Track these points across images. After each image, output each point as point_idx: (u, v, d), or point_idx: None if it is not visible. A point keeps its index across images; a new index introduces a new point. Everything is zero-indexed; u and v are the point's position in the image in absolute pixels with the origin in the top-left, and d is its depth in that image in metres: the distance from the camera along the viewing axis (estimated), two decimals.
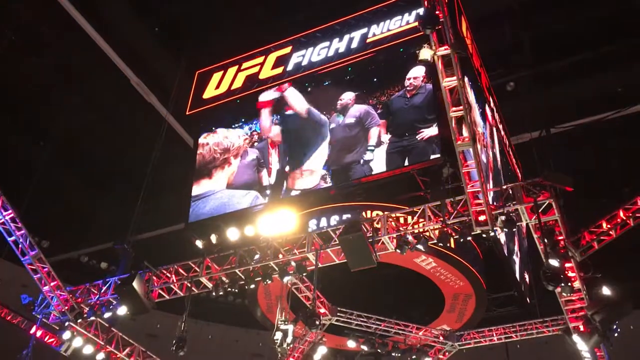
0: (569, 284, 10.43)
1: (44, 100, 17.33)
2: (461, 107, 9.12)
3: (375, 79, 14.04)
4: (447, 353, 17.18)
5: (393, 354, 16.65)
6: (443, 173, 12.26)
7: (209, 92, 16.27)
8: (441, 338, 16.92)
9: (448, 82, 8.97)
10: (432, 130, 12.35)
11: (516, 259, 15.56)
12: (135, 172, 15.76)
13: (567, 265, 10.90)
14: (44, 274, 13.65)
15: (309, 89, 14.77)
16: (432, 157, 12.10)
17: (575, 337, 11.95)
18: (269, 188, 13.85)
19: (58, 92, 17.23)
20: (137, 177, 15.07)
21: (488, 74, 14.94)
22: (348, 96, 13.98)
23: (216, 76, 16.44)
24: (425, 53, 8.69)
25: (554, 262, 10.15)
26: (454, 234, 10.98)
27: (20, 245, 13.19)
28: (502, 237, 13.26)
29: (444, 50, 8.67)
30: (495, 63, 15.79)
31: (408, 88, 13.23)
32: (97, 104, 17.68)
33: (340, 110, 13.88)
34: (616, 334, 10.82)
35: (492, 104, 14.83)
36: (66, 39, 15.99)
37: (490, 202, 10.57)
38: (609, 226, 10.86)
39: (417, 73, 13.22)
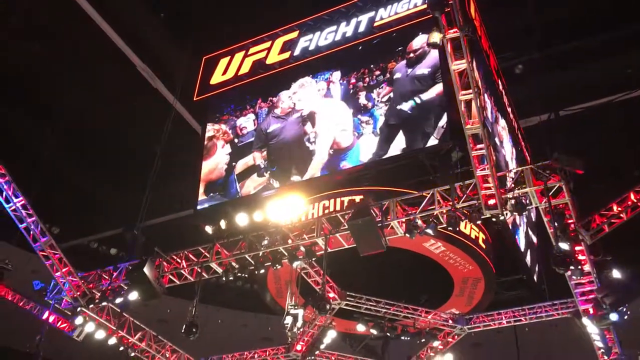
0: (579, 267, 10.42)
1: (52, 88, 17.35)
2: (470, 91, 9.06)
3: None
4: (456, 336, 17.23)
5: (402, 338, 16.74)
6: (452, 157, 12.21)
7: (216, 77, 16.25)
8: (450, 321, 16.96)
9: (457, 65, 8.91)
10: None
11: (525, 242, 15.55)
12: (144, 159, 15.79)
13: (577, 248, 10.86)
14: (55, 260, 13.75)
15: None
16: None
17: (585, 320, 11.99)
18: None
19: (66, 79, 17.24)
20: (146, 163, 15.11)
21: (497, 56, 14.83)
22: None
23: (223, 61, 16.39)
24: (434, 36, 8.62)
25: (564, 246, 10.13)
26: (463, 218, 10.96)
27: (31, 232, 13.28)
28: (518, 220, 13.23)
29: (453, 33, 8.59)
30: (504, 45, 15.66)
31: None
32: (105, 91, 17.68)
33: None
34: (626, 317, 10.82)
35: (500, 87, 14.73)
36: (73, 25, 15.96)
37: (500, 186, 10.54)
38: (619, 209, 10.77)
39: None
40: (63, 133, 18.32)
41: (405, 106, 12.90)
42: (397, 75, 13.51)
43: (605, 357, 13.76)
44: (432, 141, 12.44)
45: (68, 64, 17.01)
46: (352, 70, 14.23)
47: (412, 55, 13.45)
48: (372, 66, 13.97)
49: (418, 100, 12.79)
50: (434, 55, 13.01)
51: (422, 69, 13.16)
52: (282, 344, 17.80)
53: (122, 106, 18.21)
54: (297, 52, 15.17)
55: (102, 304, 14.03)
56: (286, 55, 15.30)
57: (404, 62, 13.56)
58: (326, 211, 13.44)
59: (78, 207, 20.29)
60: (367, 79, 13.89)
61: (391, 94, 13.28)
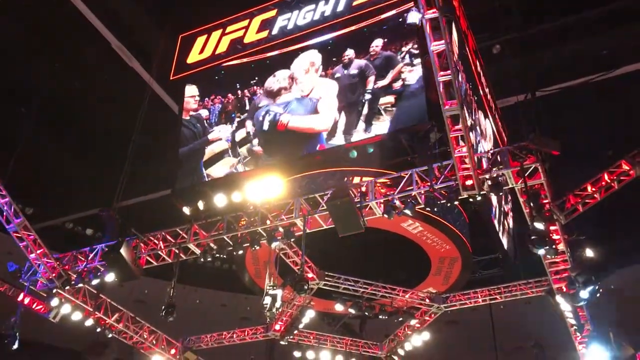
0: (554, 246, 10.60)
1: (25, 65, 16.94)
2: (449, 72, 9.06)
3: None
4: (432, 315, 17.51)
5: (380, 317, 16.94)
6: (430, 138, 12.25)
7: (193, 56, 15.99)
8: (427, 300, 17.20)
9: (436, 46, 8.90)
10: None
11: (502, 221, 15.73)
12: (120, 138, 15.57)
13: (552, 228, 11.05)
14: (30, 242, 13.58)
15: None
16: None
17: (559, 298, 12.23)
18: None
19: (39, 57, 16.83)
20: (122, 143, 14.89)
21: (475, 36, 14.82)
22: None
23: (200, 40, 16.13)
24: (413, 16, 8.59)
25: (539, 225, 10.30)
26: (441, 199, 11.04)
27: (4, 213, 13.08)
28: (494, 200, 13.39)
29: (432, 14, 8.58)
30: (482, 26, 15.64)
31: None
32: (80, 69, 17.31)
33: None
34: (598, 295, 11.04)
35: (478, 67, 14.75)
36: (47, 3, 15.55)
37: (477, 167, 10.61)
38: (593, 189, 10.96)
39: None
40: (37, 112, 17.94)
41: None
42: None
43: (578, 334, 14.10)
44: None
45: (42, 42, 16.60)
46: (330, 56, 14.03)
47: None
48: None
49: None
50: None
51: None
52: (261, 324, 17.92)
53: (97, 85, 17.87)
54: (275, 31, 14.99)
55: (78, 286, 13.92)
56: (264, 34, 15.10)
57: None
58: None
59: (53, 188, 19.97)
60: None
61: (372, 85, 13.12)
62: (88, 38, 16.29)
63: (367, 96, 12.80)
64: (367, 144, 12.55)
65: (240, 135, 14.17)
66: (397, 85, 12.53)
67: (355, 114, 12.77)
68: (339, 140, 12.67)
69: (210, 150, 14.30)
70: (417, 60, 12.54)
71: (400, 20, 13.09)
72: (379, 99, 12.63)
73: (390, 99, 12.51)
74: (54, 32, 16.33)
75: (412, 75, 12.42)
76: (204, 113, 14.99)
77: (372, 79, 12.95)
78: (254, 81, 14.62)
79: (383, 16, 13.37)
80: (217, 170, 13.99)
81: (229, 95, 14.82)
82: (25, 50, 16.68)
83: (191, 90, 15.47)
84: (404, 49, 12.85)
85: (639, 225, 18.20)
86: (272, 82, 14.29)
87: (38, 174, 19.21)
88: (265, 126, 13.82)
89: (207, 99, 15.14)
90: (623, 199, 11.72)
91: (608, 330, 12.71)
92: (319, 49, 14.00)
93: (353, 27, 13.78)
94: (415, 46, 12.65)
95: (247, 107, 14.41)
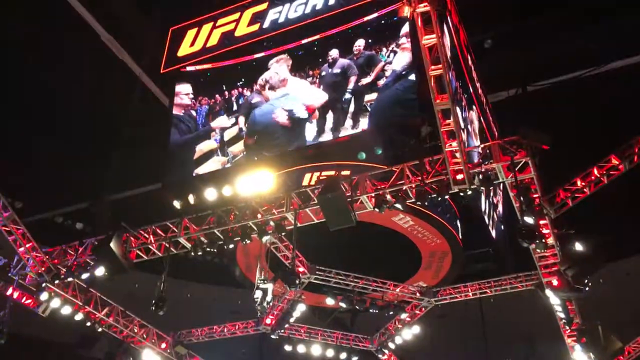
0: (543, 240, 10.66)
1: (12, 59, 16.77)
2: (440, 66, 9.06)
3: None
4: (423, 309, 17.58)
5: (370, 310, 17.00)
6: (421, 132, 12.26)
7: (184, 49, 15.88)
8: (418, 294, 17.27)
9: (427, 40, 8.89)
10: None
11: (491, 215, 15.80)
12: (110, 132, 15.48)
13: (541, 222, 11.11)
14: (18, 236, 13.50)
15: None
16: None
17: (548, 292, 12.30)
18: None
19: (27, 49, 16.67)
20: (112, 137, 14.81)
21: (466, 30, 14.82)
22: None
23: (190, 33, 16.02)
24: (404, 10, 8.57)
25: (529, 220, 10.35)
26: (432, 193, 11.06)
27: None
28: (482, 196, 13.47)
29: (423, 7, 8.56)
30: (474, 20, 15.65)
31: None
32: (69, 61, 17.16)
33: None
34: (587, 288, 11.12)
35: (469, 62, 14.77)
36: None
37: (468, 161, 10.64)
38: (583, 184, 11.05)
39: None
40: (26, 105, 17.79)
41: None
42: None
43: (567, 328, 14.21)
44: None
45: (29, 33, 16.44)
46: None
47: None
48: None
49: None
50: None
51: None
52: (252, 318, 17.91)
53: (87, 78, 17.72)
54: (266, 24, 14.91)
55: (68, 280, 13.86)
56: (255, 27, 15.02)
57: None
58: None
59: (42, 181, 19.82)
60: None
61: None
62: (76, 29, 16.14)
63: (347, 95, 13.00)
64: (364, 142, 12.69)
65: (230, 134, 14.12)
66: (381, 82, 12.68)
67: (342, 112, 12.93)
68: (327, 137, 12.79)
69: (199, 150, 14.28)
70: (398, 56, 12.70)
71: (383, 22, 13.26)
72: (364, 96, 12.80)
73: (375, 95, 12.68)
74: (43, 24, 16.18)
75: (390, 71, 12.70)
76: (193, 113, 14.98)
77: (353, 79, 13.15)
78: (241, 82, 14.62)
79: (366, 18, 13.46)
80: (206, 169, 13.98)
81: (217, 96, 14.82)
82: (12, 42, 16.50)
83: (185, 88, 15.41)
84: (386, 49, 13.00)
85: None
86: (266, 77, 14.27)
87: (26, 168, 19.06)
88: (259, 122, 13.79)
89: (195, 100, 15.14)
90: None
91: (597, 325, 12.82)
92: (304, 52, 14.09)
93: (339, 29, 13.84)
94: (399, 42, 12.74)
95: (235, 108, 14.39)
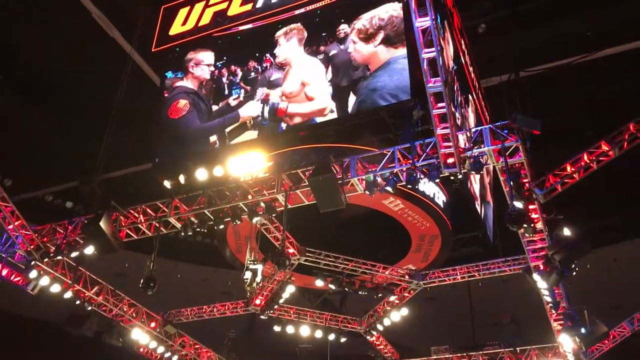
0: (532, 225, 10.73)
1: (3, 35, 16.56)
2: (434, 49, 9.03)
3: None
4: (412, 291, 17.72)
5: (360, 293, 17.11)
6: (413, 115, 12.24)
7: (176, 28, 15.70)
8: (407, 277, 17.39)
9: (421, 22, 8.85)
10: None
11: (481, 200, 15.87)
12: (101, 110, 15.34)
13: (530, 207, 11.17)
14: (7, 213, 13.45)
15: None
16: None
17: (536, 276, 12.41)
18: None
19: (17, 25, 16.46)
20: (103, 115, 14.68)
21: (460, 14, 14.76)
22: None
23: (182, 12, 15.84)
24: None
25: (519, 204, 10.42)
26: (422, 176, 11.09)
27: None
28: (476, 179, 13.44)
29: None
30: (468, 4, 15.59)
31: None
32: (59, 38, 16.96)
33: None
34: (574, 273, 11.23)
35: (463, 46, 14.72)
36: None
37: (459, 145, 10.65)
38: (572, 169, 11.09)
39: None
40: (15, 82, 17.61)
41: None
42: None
43: (554, 312, 14.36)
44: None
45: (20, 10, 16.22)
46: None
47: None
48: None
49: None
50: None
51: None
52: (241, 298, 17.98)
53: (77, 55, 17.52)
54: (259, 3, 14.76)
55: (57, 258, 13.83)
56: (248, 6, 14.83)
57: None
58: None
59: (32, 159, 19.70)
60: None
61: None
62: (67, 6, 15.93)
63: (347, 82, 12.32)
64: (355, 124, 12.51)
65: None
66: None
67: (341, 94, 12.35)
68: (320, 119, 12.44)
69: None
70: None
71: None
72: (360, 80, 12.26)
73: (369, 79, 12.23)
74: (34, 1, 15.97)
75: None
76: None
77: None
78: (223, 61, 14.14)
79: None
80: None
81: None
82: (2, 19, 16.28)
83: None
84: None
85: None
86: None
87: (16, 145, 18.93)
88: (265, 112, 13.34)
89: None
90: None
91: (583, 309, 12.96)
92: (303, 22, 13.59)
93: None
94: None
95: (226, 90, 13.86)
